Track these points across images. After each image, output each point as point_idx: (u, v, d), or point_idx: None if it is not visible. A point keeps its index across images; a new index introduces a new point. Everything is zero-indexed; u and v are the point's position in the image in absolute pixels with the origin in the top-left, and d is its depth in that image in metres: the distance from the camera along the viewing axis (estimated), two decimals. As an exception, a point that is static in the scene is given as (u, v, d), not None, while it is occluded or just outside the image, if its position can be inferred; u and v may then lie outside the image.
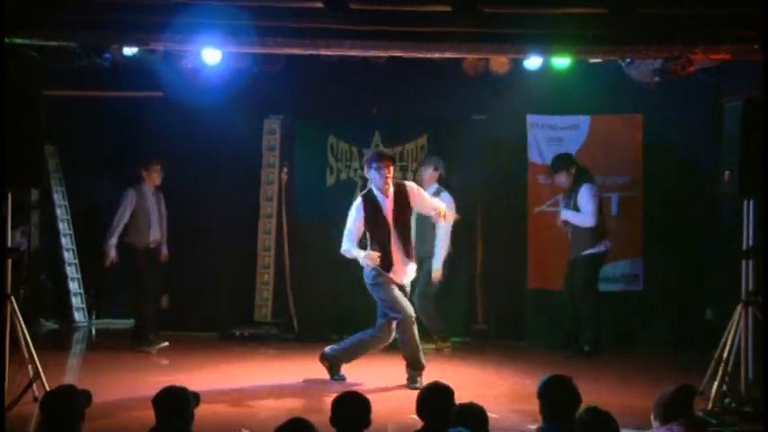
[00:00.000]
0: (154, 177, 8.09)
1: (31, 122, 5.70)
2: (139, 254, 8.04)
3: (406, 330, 6.52)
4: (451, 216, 7.16)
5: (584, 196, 7.87)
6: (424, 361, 6.63)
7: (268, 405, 6.11)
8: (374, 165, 6.60)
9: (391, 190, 6.61)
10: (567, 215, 7.99)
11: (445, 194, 7.99)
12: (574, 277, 8.02)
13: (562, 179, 8.07)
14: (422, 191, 6.91)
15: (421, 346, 6.67)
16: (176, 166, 8.34)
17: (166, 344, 8.02)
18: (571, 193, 8.00)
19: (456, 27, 6.30)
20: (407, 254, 6.67)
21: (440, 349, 8.10)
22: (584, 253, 7.90)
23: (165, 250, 8.24)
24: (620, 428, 3.62)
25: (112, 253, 7.96)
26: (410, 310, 6.56)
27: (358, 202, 6.64)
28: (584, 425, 3.58)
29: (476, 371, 7.34)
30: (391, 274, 6.59)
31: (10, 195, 5.86)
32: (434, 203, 6.81)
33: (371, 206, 6.58)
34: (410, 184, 6.80)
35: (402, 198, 6.63)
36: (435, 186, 8.09)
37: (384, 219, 6.59)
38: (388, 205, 6.60)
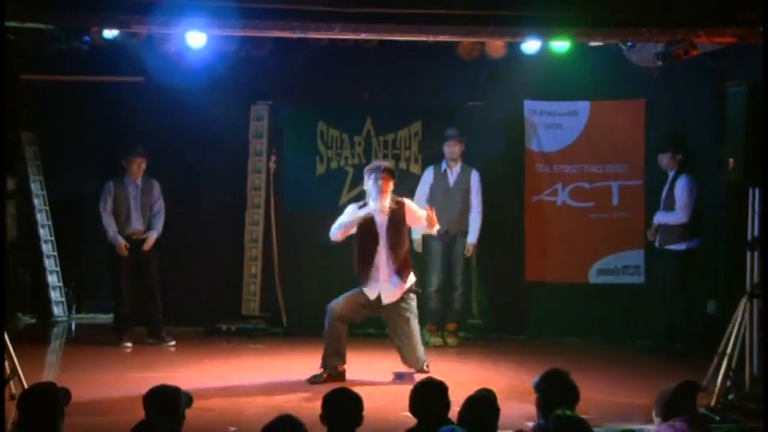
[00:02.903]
0: (133, 170, 8.16)
1: (8, 108, 5.68)
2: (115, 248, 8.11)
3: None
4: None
5: (682, 188, 7.74)
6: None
7: (256, 402, 6.12)
8: (372, 175, 6.66)
9: (388, 205, 6.66)
10: (660, 219, 7.84)
11: (476, 174, 8.27)
12: (664, 272, 7.95)
13: (664, 161, 7.91)
14: (414, 207, 6.89)
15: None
16: (158, 154, 8.31)
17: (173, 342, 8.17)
18: (669, 181, 7.87)
19: (450, 9, 6.29)
20: (398, 273, 6.70)
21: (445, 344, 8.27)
22: (671, 248, 7.80)
23: (149, 242, 8.23)
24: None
25: (120, 241, 8.07)
26: (337, 308, 6.70)
27: (352, 207, 6.73)
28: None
29: (471, 367, 7.37)
30: (366, 289, 6.67)
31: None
32: (421, 215, 6.82)
33: (365, 220, 6.63)
34: (408, 203, 6.85)
35: (399, 217, 6.70)
36: (460, 164, 8.29)
37: (375, 234, 6.66)
38: (381, 220, 6.67)
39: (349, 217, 6.71)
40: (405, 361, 6.81)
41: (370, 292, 6.70)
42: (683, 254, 7.81)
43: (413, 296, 6.82)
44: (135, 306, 8.26)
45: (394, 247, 6.67)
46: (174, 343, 8.17)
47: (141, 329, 8.29)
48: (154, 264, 8.26)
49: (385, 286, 6.70)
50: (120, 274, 8.17)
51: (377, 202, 6.63)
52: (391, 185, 6.70)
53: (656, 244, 7.98)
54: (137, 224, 8.19)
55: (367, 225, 6.63)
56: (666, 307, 7.93)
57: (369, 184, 6.71)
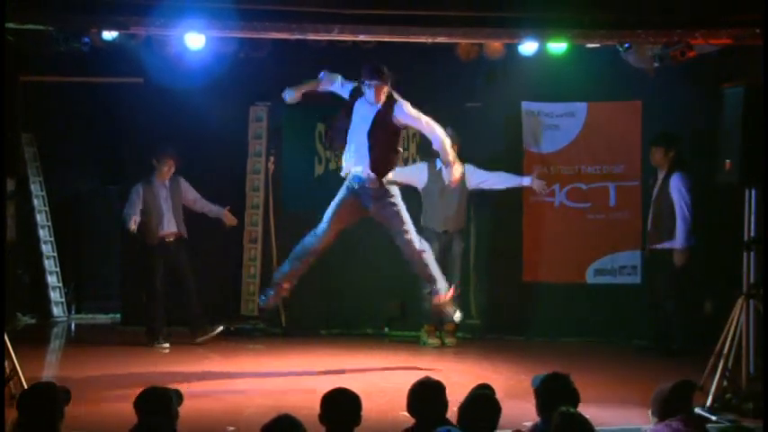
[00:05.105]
0: (163, 171, 8.11)
1: (7, 109, 5.67)
2: (151, 250, 8.03)
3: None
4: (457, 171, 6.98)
5: (679, 187, 7.71)
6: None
7: (255, 402, 6.12)
8: (366, 82, 6.74)
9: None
10: (682, 240, 7.69)
11: (469, 166, 8.16)
12: (657, 272, 7.92)
13: (657, 156, 7.87)
14: (412, 113, 6.84)
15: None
16: (157, 155, 8.31)
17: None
18: (661, 179, 7.84)
19: (448, 10, 6.29)
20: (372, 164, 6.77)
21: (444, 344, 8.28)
22: (665, 246, 7.77)
23: (231, 217, 8.30)
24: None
25: (132, 225, 7.94)
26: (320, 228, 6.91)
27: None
28: (558, 429, 3.56)
29: (469, 366, 7.37)
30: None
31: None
32: (434, 130, 6.89)
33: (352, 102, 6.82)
34: (400, 103, 6.83)
35: (388, 111, 6.78)
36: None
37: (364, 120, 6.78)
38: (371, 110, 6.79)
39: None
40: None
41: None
42: (680, 252, 7.79)
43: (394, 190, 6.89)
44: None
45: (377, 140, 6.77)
46: (221, 329, 8.16)
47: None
48: (187, 264, 8.19)
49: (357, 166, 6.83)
50: (154, 275, 8.05)
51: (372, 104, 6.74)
52: (385, 90, 6.76)
53: (648, 240, 7.99)
54: (170, 226, 8.13)
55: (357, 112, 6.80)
56: (660, 306, 7.93)
57: (363, 87, 6.78)
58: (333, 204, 6.94)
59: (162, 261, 8.07)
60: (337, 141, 7.08)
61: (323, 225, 6.91)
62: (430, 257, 6.98)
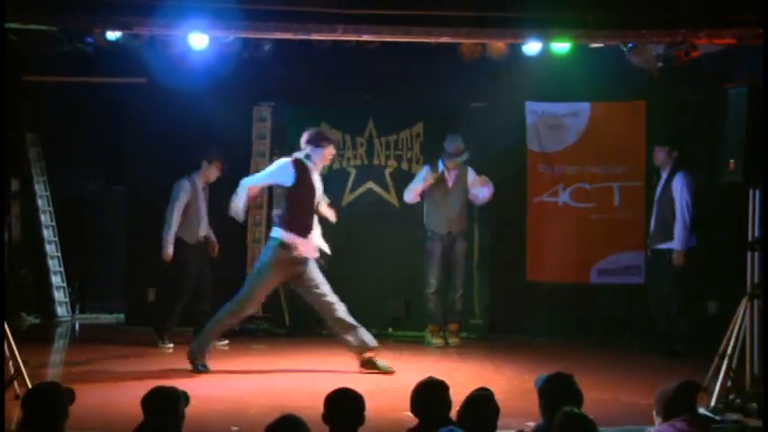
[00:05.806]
0: (212, 172, 8.04)
1: (11, 109, 5.68)
2: (189, 250, 7.98)
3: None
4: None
5: (681, 186, 7.67)
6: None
7: (258, 402, 6.11)
8: (320, 144, 6.91)
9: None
10: (680, 241, 7.66)
11: (470, 169, 8.29)
12: (659, 272, 7.89)
13: (660, 156, 7.83)
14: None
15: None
16: (161, 155, 8.31)
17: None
18: (664, 179, 7.81)
19: (451, 10, 6.29)
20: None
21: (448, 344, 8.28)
22: (668, 246, 7.72)
23: (214, 238, 8.19)
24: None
25: (170, 249, 7.86)
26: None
27: (286, 162, 6.89)
28: (561, 429, 3.55)
29: (472, 367, 7.36)
30: (302, 246, 6.85)
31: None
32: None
33: (304, 172, 6.84)
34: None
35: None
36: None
37: (313, 190, 6.89)
38: (316, 178, 6.95)
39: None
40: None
41: (305, 250, 6.90)
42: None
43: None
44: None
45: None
46: (227, 342, 8.08)
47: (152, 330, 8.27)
48: (209, 267, 8.15)
49: (314, 242, 6.98)
50: (189, 274, 7.99)
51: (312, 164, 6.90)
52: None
53: (651, 240, 7.96)
54: (204, 229, 8.08)
55: (306, 183, 6.87)
56: (664, 306, 7.91)
57: (314, 150, 6.89)
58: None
59: (196, 260, 8.04)
60: None
61: None
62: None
